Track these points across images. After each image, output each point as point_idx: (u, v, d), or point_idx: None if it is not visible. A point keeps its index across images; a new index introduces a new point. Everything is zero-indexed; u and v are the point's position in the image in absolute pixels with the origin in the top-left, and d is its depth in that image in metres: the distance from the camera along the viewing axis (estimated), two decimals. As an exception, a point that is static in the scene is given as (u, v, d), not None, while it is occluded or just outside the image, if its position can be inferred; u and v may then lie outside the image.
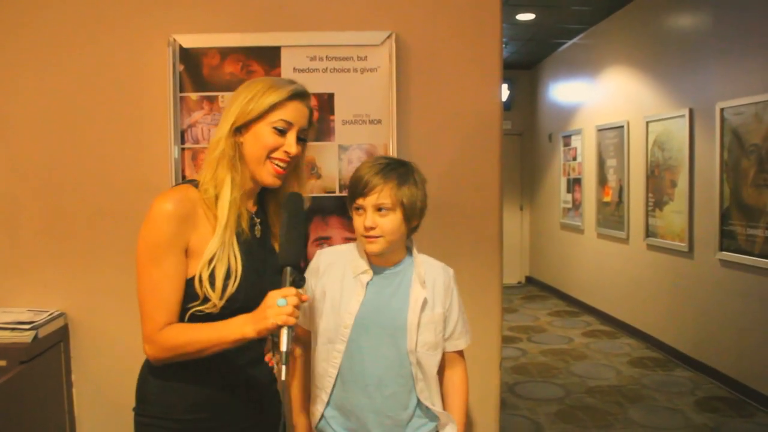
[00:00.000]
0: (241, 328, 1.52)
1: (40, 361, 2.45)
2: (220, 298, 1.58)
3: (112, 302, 2.64)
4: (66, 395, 2.64)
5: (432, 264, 2.01)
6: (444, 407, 2.01)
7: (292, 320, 1.47)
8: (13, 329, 2.39)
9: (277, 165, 1.69)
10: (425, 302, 1.90)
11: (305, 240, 1.65)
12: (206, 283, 1.58)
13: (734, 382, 5.06)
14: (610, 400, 4.96)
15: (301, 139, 1.73)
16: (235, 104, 1.67)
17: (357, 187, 1.83)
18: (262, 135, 1.66)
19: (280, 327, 1.47)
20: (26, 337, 2.38)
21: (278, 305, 1.47)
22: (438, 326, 1.94)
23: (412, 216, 1.86)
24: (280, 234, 1.61)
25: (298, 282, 1.53)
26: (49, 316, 2.54)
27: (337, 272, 1.94)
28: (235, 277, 1.61)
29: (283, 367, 1.46)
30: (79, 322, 2.66)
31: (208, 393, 1.66)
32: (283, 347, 1.46)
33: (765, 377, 4.73)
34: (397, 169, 1.85)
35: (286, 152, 1.68)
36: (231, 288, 1.60)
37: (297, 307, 1.49)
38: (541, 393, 5.17)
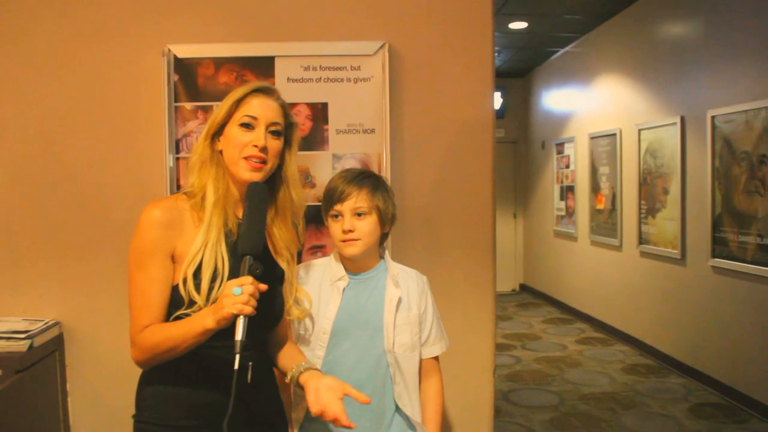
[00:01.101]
0: (202, 320, 1.52)
1: (36, 371, 2.46)
2: (206, 300, 1.59)
3: (107, 311, 2.64)
4: (61, 404, 2.64)
5: (406, 270, 2.08)
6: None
7: (248, 309, 1.46)
8: (8, 338, 2.40)
9: (251, 161, 1.69)
10: (400, 302, 1.97)
11: (264, 228, 1.66)
12: (190, 285, 1.59)
13: (727, 388, 5.08)
14: (603, 407, 4.97)
15: (276, 133, 1.73)
16: (213, 113, 1.74)
17: (334, 195, 1.92)
18: (232, 134, 1.70)
19: (236, 316, 1.46)
20: (21, 346, 2.38)
21: (234, 294, 1.46)
22: (414, 327, 1.99)
23: (386, 220, 1.96)
24: (241, 223, 1.62)
25: (253, 270, 1.51)
26: (45, 326, 2.54)
27: (314, 282, 1.99)
28: (221, 279, 1.61)
29: (237, 356, 1.44)
30: (75, 332, 2.67)
31: (204, 398, 1.66)
32: (238, 336, 1.45)
33: (758, 383, 4.75)
34: (369, 178, 1.97)
35: (254, 146, 1.68)
36: (216, 291, 1.60)
37: (253, 295, 1.48)
38: (536, 400, 5.18)
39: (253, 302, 1.47)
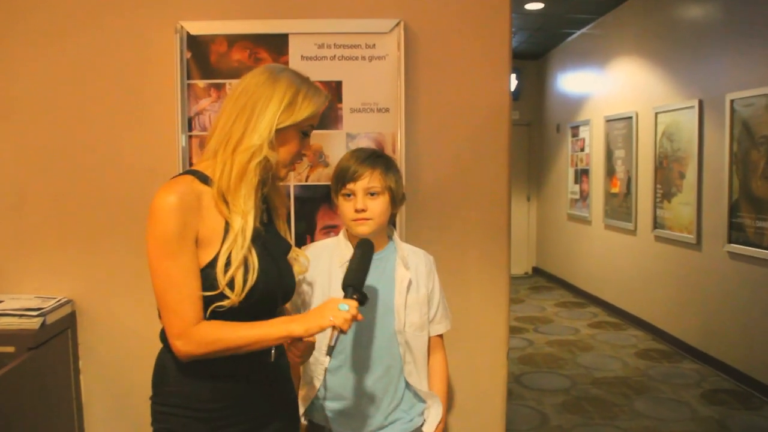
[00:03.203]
0: (287, 325, 1.56)
1: (48, 348, 2.46)
2: (240, 294, 1.57)
3: (119, 289, 2.65)
4: (73, 382, 2.65)
5: (413, 250, 2.11)
6: None
7: (346, 326, 1.55)
8: (20, 316, 2.40)
9: (294, 164, 1.74)
10: (410, 283, 2.00)
11: (367, 274, 1.76)
12: (225, 288, 1.55)
13: (741, 374, 5.05)
14: (616, 392, 4.96)
15: None
16: (271, 106, 1.61)
17: (346, 174, 1.94)
18: (294, 140, 1.67)
19: (334, 328, 1.55)
20: (34, 323, 2.39)
21: (340, 308, 1.56)
22: (423, 308, 2.03)
23: (397, 201, 1.99)
24: (351, 263, 1.74)
25: (361, 298, 1.64)
26: (57, 303, 2.54)
27: (324, 263, 2.02)
28: (253, 271, 1.59)
29: (328, 358, 1.60)
30: (87, 310, 2.67)
31: (227, 382, 1.64)
32: (332, 342, 1.58)
33: (772, 370, 4.72)
34: (381, 158, 1.99)
35: (304, 154, 1.74)
36: (250, 282, 1.58)
37: (354, 317, 1.58)
38: (548, 384, 5.17)
39: (350, 324, 1.58)
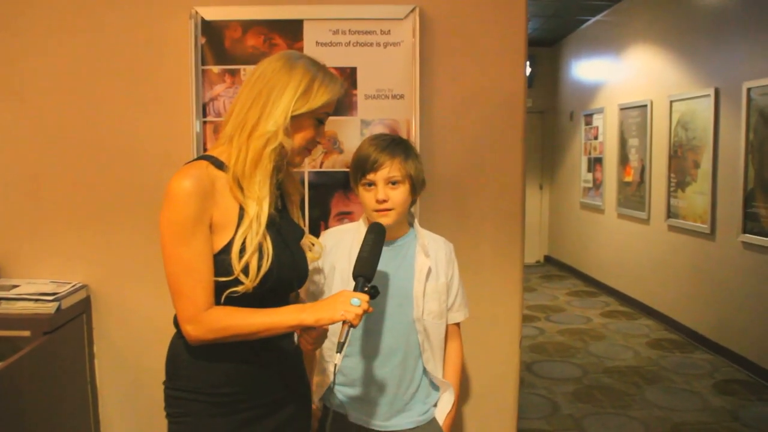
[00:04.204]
0: (298, 314, 1.58)
1: (63, 333, 2.48)
2: (254, 280, 1.58)
3: (134, 275, 2.66)
4: (88, 366, 2.67)
5: (434, 237, 2.09)
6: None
7: (357, 321, 1.55)
8: (36, 300, 2.42)
9: (309, 152, 1.74)
10: (429, 271, 1.99)
11: (378, 262, 1.74)
12: (240, 274, 1.56)
13: (754, 365, 5.03)
14: (627, 381, 4.95)
15: None
16: (286, 93, 1.61)
17: (366, 164, 1.90)
18: (309, 127, 1.68)
19: (344, 322, 1.55)
20: (49, 308, 2.40)
21: (351, 303, 1.55)
22: (442, 296, 2.02)
23: (417, 187, 1.96)
24: (362, 249, 1.70)
25: (373, 293, 1.62)
26: (72, 288, 2.56)
27: (344, 249, 2.00)
28: (267, 257, 1.60)
29: (338, 355, 1.58)
30: (101, 295, 2.69)
31: (240, 367, 1.65)
32: (342, 339, 1.57)
33: (786, 361, 4.69)
34: (400, 145, 1.95)
35: (318, 141, 1.73)
36: (264, 268, 1.59)
37: (366, 311, 1.57)
38: (559, 372, 5.16)
39: (360, 320, 1.57)
